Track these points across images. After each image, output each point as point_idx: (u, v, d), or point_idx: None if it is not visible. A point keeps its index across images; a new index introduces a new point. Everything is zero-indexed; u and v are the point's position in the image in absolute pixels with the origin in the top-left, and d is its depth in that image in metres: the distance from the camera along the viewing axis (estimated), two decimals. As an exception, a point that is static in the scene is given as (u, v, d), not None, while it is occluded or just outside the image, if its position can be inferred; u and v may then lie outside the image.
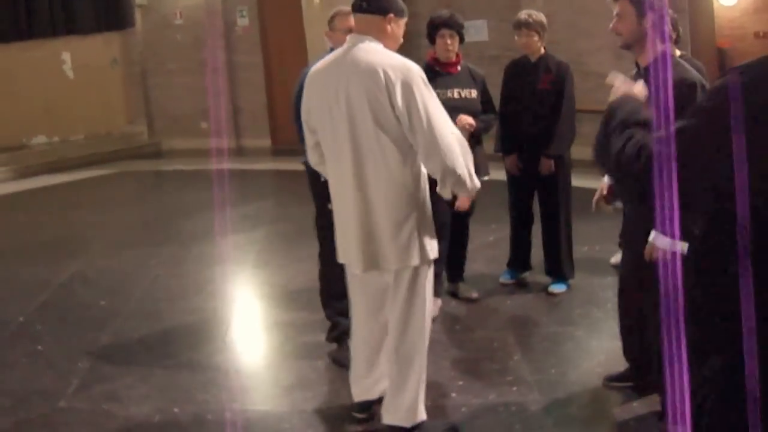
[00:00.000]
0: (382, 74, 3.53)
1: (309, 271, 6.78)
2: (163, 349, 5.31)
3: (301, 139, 4.86)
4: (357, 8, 3.78)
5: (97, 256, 7.81)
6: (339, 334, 4.96)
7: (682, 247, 3.59)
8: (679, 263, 3.44)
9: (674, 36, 5.96)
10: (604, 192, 4.16)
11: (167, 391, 4.67)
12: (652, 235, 3.61)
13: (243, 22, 14.79)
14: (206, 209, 9.11)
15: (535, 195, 6.10)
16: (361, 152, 3.64)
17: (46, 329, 5.77)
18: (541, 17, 5.85)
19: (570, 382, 4.56)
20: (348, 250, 3.84)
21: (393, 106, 3.54)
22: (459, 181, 3.65)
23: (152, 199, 11.68)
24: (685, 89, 3.52)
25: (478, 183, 3.79)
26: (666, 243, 3.56)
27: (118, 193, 12.14)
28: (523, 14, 5.89)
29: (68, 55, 14.89)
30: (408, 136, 3.58)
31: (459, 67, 5.61)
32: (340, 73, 3.66)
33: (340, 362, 4.79)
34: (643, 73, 3.71)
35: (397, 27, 3.80)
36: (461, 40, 5.60)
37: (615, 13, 3.85)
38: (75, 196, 11.68)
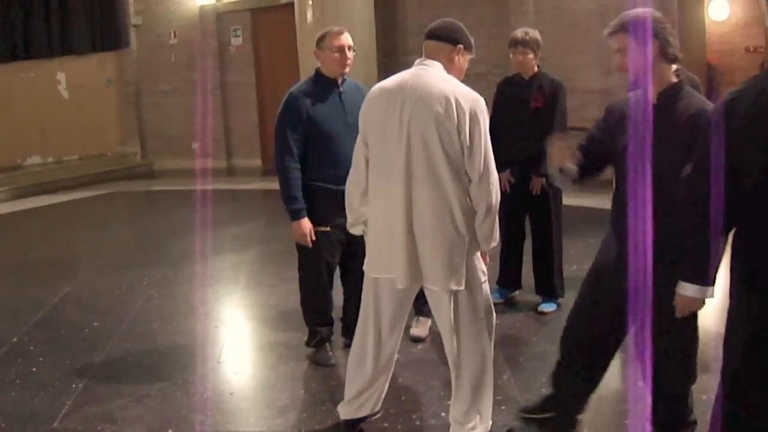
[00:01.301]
0: (453, 101, 3.65)
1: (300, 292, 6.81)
2: (156, 370, 5.33)
3: (278, 164, 4.92)
4: (430, 35, 3.92)
5: (90, 277, 7.84)
6: (319, 340, 5.30)
7: (712, 293, 3.54)
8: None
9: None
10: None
11: (161, 412, 4.69)
12: (682, 287, 3.31)
13: (237, 41, 14.87)
14: (197, 230, 9.16)
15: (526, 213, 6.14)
16: (416, 173, 3.72)
17: (40, 350, 5.79)
18: (537, 35, 5.84)
19: (560, 401, 4.58)
20: (390, 265, 3.87)
21: (459, 132, 3.64)
22: (491, 219, 3.76)
23: (144, 219, 11.70)
24: (706, 119, 3.37)
25: (496, 241, 3.88)
26: (695, 291, 3.28)
27: (111, 213, 12.18)
28: (519, 32, 5.89)
29: (63, 76, 14.93)
30: (466, 163, 3.69)
31: None
32: (407, 94, 3.75)
33: (321, 363, 5.23)
34: (655, 104, 3.60)
35: (464, 59, 3.96)
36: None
37: (615, 48, 3.65)
38: (68, 216, 11.71)
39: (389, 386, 4.31)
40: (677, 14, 10.33)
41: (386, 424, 4.35)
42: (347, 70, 5.00)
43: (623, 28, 3.60)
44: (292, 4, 12.30)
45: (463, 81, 3.90)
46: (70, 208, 12.29)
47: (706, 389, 4.56)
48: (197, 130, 14.60)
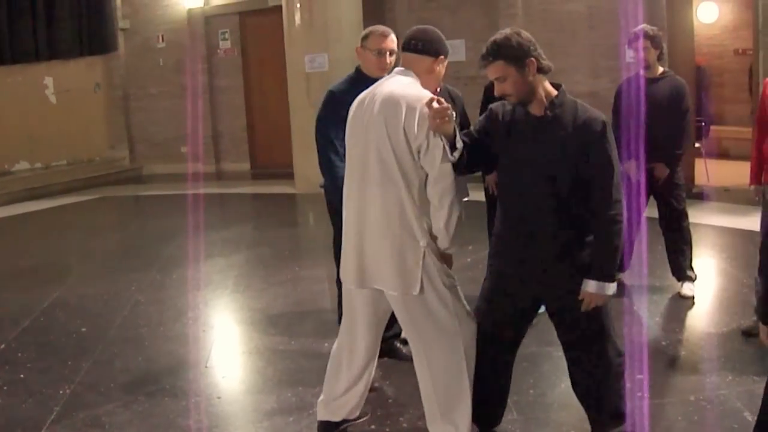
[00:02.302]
0: (403, 105, 3.63)
1: (288, 295, 6.81)
2: (144, 375, 5.31)
3: (323, 163, 4.87)
4: (410, 47, 3.84)
5: (79, 282, 7.82)
6: None
7: (614, 288, 3.63)
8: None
9: (658, 53, 6.05)
10: None
11: (149, 418, 4.67)
12: (588, 284, 3.58)
13: (225, 44, 14.88)
14: (186, 234, 9.16)
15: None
16: (371, 177, 3.72)
17: (27, 356, 5.76)
18: None
19: (548, 403, 4.60)
20: (346, 266, 3.89)
21: (408, 135, 3.61)
22: (452, 220, 3.73)
23: (133, 224, 11.68)
24: (596, 127, 3.52)
25: (447, 243, 3.82)
26: (600, 288, 3.56)
27: (100, 218, 12.15)
28: None
29: (51, 80, 14.90)
30: (423, 163, 3.66)
31: (438, 88, 5.63)
32: (371, 101, 3.78)
33: None
34: (542, 116, 3.62)
35: (443, 67, 3.93)
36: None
37: (494, 78, 3.60)
38: (56, 222, 11.68)
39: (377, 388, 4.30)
40: (666, 17, 10.36)
41: (373, 427, 4.35)
42: (385, 73, 4.78)
43: (496, 56, 3.55)
44: (280, 7, 12.31)
45: (454, 84, 3.88)
46: (59, 213, 12.26)
47: (694, 389, 4.59)
48: (186, 135, 14.61)
